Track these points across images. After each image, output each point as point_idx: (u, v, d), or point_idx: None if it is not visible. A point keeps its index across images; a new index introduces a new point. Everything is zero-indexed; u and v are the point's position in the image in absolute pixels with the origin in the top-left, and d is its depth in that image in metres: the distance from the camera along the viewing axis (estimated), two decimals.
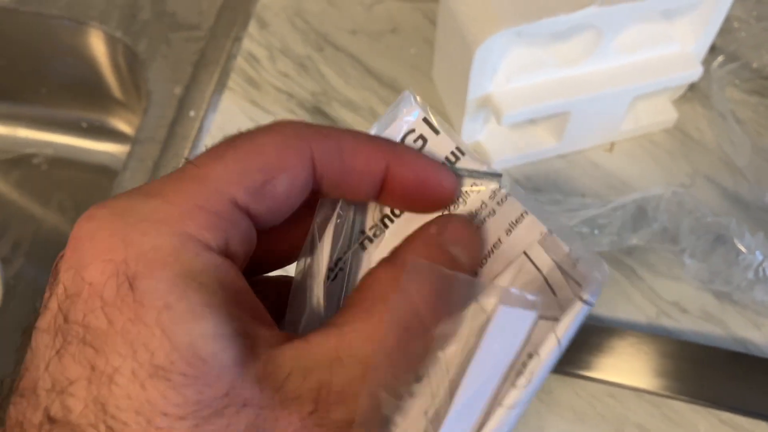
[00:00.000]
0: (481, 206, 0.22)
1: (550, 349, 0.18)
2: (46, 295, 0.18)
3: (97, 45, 0.60)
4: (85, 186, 0.66)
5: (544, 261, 0.20)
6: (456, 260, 0.20)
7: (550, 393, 0.42)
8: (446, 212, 0.23)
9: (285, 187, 0.20)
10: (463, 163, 0.23)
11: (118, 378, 0.16)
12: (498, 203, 0.22)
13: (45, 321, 0.17)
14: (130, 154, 0.52)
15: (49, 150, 0.67)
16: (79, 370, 0.16)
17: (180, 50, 0.57)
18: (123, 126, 0.67)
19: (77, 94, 0.66)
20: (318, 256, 0.22)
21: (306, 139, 0.20)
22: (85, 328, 0.17)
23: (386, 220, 0.23)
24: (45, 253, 0.64)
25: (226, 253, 0.19)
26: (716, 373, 0.40)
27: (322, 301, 0.22)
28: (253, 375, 0.17)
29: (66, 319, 0.17)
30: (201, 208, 0.18)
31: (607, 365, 0.41)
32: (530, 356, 0.18)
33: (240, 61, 0.56)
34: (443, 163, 0.22)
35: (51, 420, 0.16)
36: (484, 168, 0.22)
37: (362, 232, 0.23)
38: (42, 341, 0.17)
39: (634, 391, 0.41)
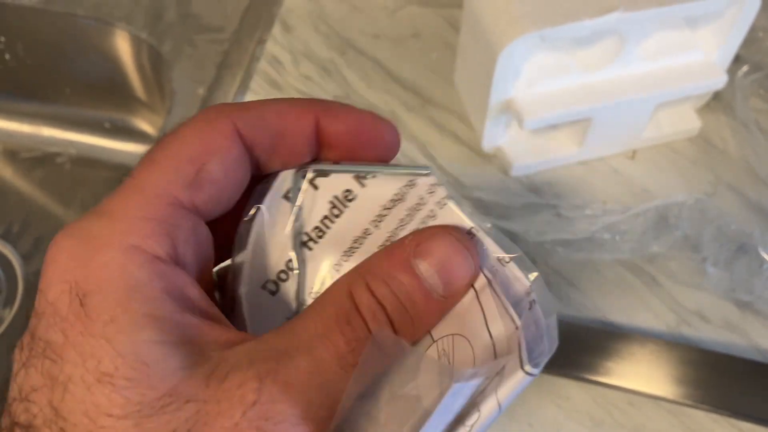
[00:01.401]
0: (419, 201, 0.22)
1: (490, 410, 0.18)
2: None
3: (122, 45, 0.61)
4: (108, 185, 0.67)
5: (492, 311, 0.19)
6: (429, 288, 0.19)
7: (569, 399, 0.42)
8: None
9: (219, 168, 0.20)
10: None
11: (71, 385, 0.17)
12: (439, 205, 0.21)
13: (22, 340, 0.19)
14: None
15: (72, 149, 0.68)
16: (40, 380, 0.18)
17: (204, 52, 0.58)
18: (146, 126, 0.67)
19: (101, 94, 0.66)
20: (245, 263, 0.22)
21: (226, 116, 0.21)
22: (46, 343, 0.18)
23: (326, 221, 0.22)
24: None
25: (175, 258, 0.19)
26: (737, 382, 0.40)
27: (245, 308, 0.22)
28: (202, 374, 0.18)
29: (33, 336, 0.19)
30: (143, 218, 0.19)
31: (626, 372, 0.40)
32: (472, 411, 0.18)
33: (263, 64, 0.57)
34: (379, 115, 0.23)
35: (16, 424, 0.18)
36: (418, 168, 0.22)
37: (304, 233, 0.22)
38: (17, 357, 0.19)
39: (653, 399, 0.41)
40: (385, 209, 0.22)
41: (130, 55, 0.62)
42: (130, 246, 0.19)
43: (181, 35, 0.59)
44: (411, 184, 0.22)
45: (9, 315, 0.61)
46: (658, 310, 0.45)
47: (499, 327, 0.19)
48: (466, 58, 0.50)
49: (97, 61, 0.63)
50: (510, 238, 0.47)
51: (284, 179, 0.22)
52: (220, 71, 0.57)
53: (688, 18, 0.47)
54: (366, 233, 0.22)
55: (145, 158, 0.20)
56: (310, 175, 0.22)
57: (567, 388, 0.42)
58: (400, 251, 0.20)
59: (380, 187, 0.22)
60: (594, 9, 0.42)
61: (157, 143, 0.21)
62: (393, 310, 0.19)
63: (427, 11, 0.59)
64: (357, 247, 0.22)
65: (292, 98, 0.23)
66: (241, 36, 0.59)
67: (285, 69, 0.57)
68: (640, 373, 0.40)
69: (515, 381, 0.18)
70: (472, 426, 0.18)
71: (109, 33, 0.61)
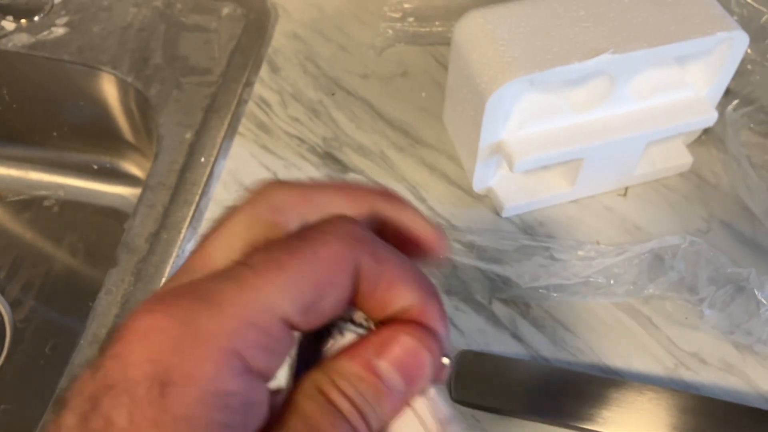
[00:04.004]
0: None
1: None
2: (86, 375, 0.19)
3: (109, 89, 0.61)
4: (96, 228, 0.66)
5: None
6: (390, 386, 0.20)
7: None
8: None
9: (330, 305, 0.20)
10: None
11: None
12: None
13: (77, 402, 0.18)
14: (140, 200, 0.52)
15: (60, 192, 0.68)
16: None
17: (191, 95, 0.57)
18: (134, 169, 0.67)
19: (89, 138, 0.66)
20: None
21: (357, 255, 0.20)
22: (108, 421, 0.17)
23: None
24: (55, 296, 0.63)
25: (266, 374, 0.19)
26: (738, 430, 0.39)
27: None
28: None
29: (94, 407, 0.18)
30: (253, 325, 0.19)
31: (625, 422, 0.40)
32: None
33: (251, 106, 0.56)
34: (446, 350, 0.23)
35: None
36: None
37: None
38: (67, 423, 0.18)
39: None
40: None
41: (117, 99, 0.61)
42: (232, 350, 0.18)
43: (167, 78, 0.58)
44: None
45: None
46: (656, 353, 0.44)
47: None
48: (454, 100, 0.50)
49: (84, 105, 0.63)
50: (504, 284, 0.46)
51: None
52: (207, 114, 0.56)
53: (677, 57, 0.46)
54: None
55: (272, 253, 0.20)
56: None
57: None
58: (364, 352, 0.21)
59: None
60: (584, 52, 0.42)
61: (288, 241, 0.20)
62: (361, 405, 0.20)
63: (414, 50, 0.59)
64: None
65: (411, 268, 0.22)
66: (229, 78, 0.58)
67: (273, 111, 0.56)
68: (639, 423, 0.40)
69: None
70: None
71: (96, 77, 0.60)
